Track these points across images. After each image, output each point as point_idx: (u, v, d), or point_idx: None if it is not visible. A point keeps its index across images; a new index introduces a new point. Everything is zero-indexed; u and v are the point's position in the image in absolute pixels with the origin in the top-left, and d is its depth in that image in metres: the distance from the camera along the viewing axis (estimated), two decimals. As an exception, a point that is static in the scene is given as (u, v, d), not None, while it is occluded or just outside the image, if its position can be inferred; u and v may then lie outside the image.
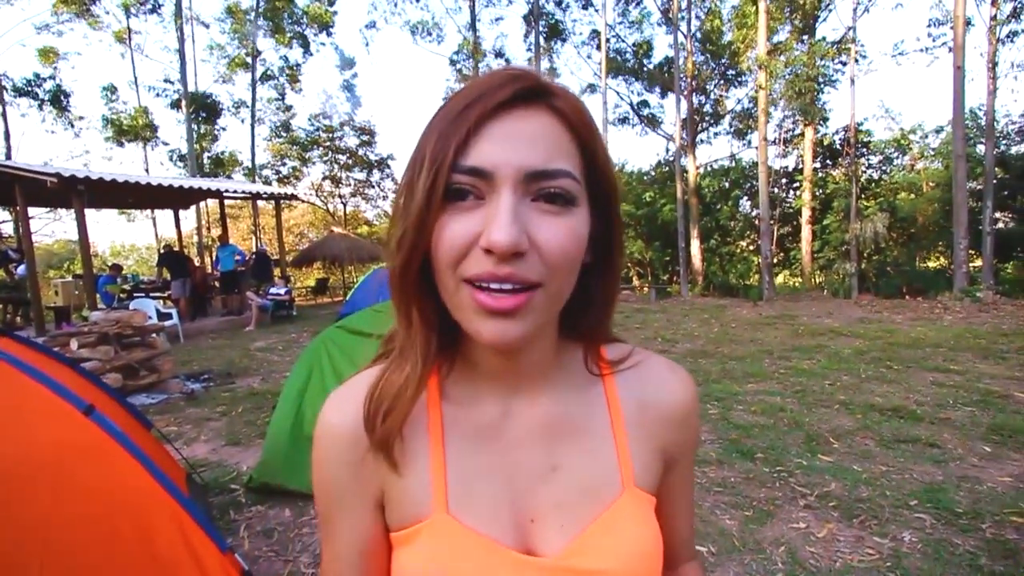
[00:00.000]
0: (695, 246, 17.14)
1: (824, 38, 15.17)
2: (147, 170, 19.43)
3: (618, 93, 19.76)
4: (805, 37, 14.75)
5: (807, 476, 3.04)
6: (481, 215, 0.40)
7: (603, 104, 17.36)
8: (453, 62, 18.80)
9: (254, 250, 12.10)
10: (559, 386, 0.51)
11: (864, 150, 16.77)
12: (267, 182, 21.02)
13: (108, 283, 9.74)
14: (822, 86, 14.75)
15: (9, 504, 1.42)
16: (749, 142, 19.02)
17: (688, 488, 0.58)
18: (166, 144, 20.29)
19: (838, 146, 17.23)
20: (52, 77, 17.71)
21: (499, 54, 19.15)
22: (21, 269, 10.05)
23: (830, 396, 4.57)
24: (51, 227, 22.61)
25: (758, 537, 2.43)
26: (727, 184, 18.76)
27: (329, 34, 21.41)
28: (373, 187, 24.45)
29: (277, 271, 12.02)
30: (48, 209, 16.26)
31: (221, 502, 3.06)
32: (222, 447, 4.11)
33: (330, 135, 22.94)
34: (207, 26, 25.54)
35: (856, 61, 14.34)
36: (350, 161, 23.50)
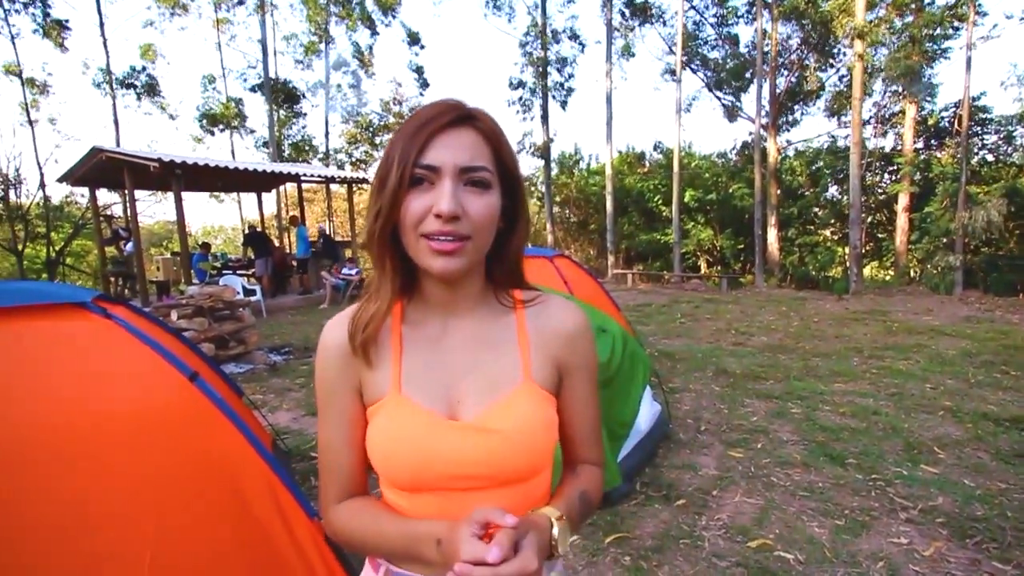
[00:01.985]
0: (772, 234, 16.14)
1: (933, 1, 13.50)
2: (233, 155, 20.75)
3: (694, 70, 18.75)
4: (912, 5, 13.22)
5: (908, 487, 2.79)
6: (432, 195, 0.64)
7: (678, 89, 16.56)
8: (523, 44, 18.55)
9: (320, 232, 12.66)
10: (483, 313, 0.74)
11: (979, 128, 14.97)
12: (340, 166, 21.86)
13: (201, 260, 10.54)
14: (932, 57, 13.25)
15: (129, 462, 1.53)
16: (840, 122, 17.51)
17: (588, 402, 0.77)
18: (252, 132, 21.51)
19: (946, 124, 15.52)
20: (144, 69, 19.18)
21: (573, 35, 18.66)
22: (129, 247, 11.08)
23: (932, 401, 4.16)
24: (152, 209, 24.66)
25: (852, 549, 2.26)
26: (813, 169, 17.45)
27: (395, 15, 21.75)
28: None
29: (348, 252, 12.54)
30: (150, 192, 17.76)
31: (302, 468, 3.24)
32: (302, 416, 4.35)
33: (400, 120, 23.50)
34: (277, 8, 26.55)
35: (976, 24, 12.68)
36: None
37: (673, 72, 17.44)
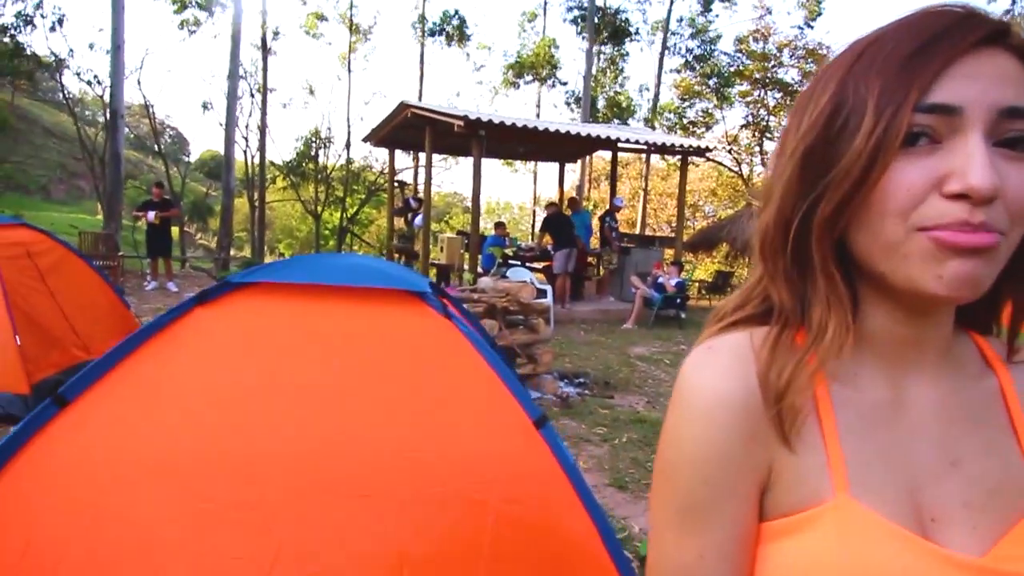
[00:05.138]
0: None
1: None
2: (538, 114, 23.40)
3: None
4: None
5: None
6: (938, 159, 0.53)
7: None
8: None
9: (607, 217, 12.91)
10: (950, 371, 0.64)
11: None
12: (671, 130, 22.46)
13: (495, 244, 12.02)
14: None
15: (459, 523, 1.64)
16: None
17: None
18: (563, 84, 23.89)
19: None
20: (456, 13, 23.12)
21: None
22: (418, 220, 13.46)
23: None
24: (440, 177, 29.78)
25: None
26: None
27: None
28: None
29: (670, 253, 12.65)
30: (442, 157, 21.45)
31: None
32: (605, 486, 4.41)
33: (763, 63, 22.84)
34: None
35: None
36: (784, 100, 22.93)
37: None
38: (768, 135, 23.74)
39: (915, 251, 0.54)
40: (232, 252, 21.31)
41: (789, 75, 22.95)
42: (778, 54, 22.94)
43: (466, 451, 1.78)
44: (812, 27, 22.19)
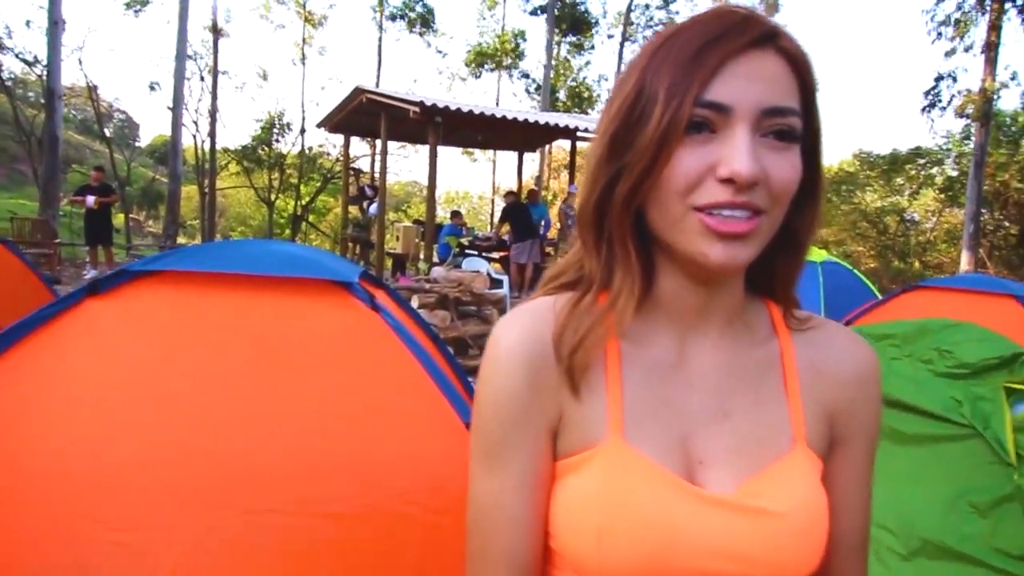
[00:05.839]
0: None
1: None
2: (497, 103, 23.18)
3: None
4: None
5: None
6: (713, 148, 0.61)
7: None
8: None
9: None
10: (737, 334, 0.73)
11: None
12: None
13: (451, 233, 11.83)
14: None
15: (380, 539, 1.47)
16: None
17: (861, 489, 0.77)
18: (527, 77, 23.74)
19: None
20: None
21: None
22: (373, 208, 13.17)
23: None
24: (398, 166, 29.35)
25: None
26: None
27: None
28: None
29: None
30: (400, 145, 21.09)
31: None
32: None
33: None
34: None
35: None
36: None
37: None
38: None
39: (691, 228, 0.63)
40: (184, 240, 20.66)
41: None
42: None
43: (388, 457, 1.59)
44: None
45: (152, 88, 20.83)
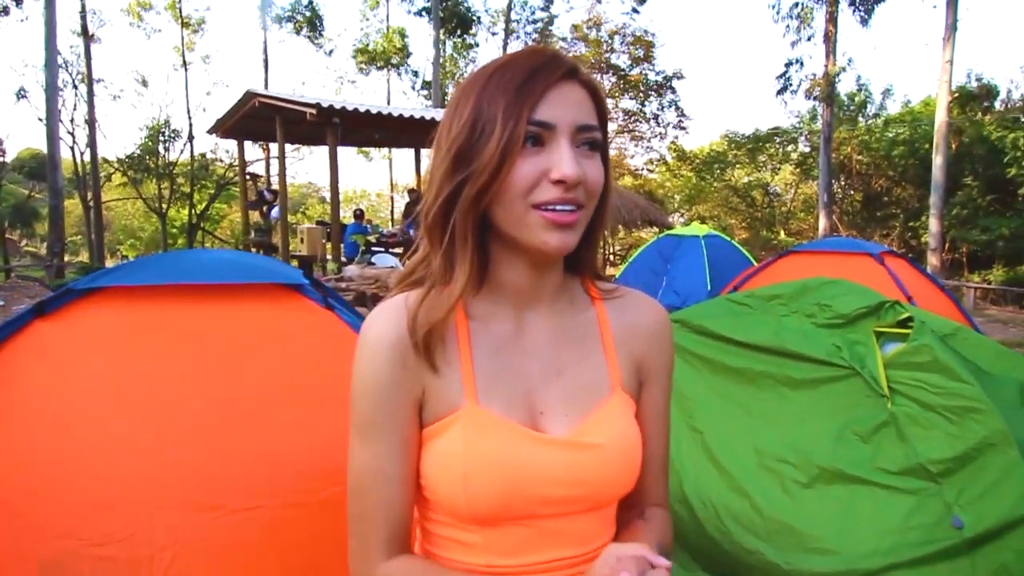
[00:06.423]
0: None
1: None
2: (388, 100, 22.93)
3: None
4: None
5: None
6: (543, 157, 0.78)
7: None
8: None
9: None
10: (562, 307, 0.92)
11: None
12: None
13: (358, 232, 11.69)
14: None
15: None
16: None
17: (662, 419, 0.98)
18: (416, 75, 23.54)
19: None
20: (311, 2, 22.17)
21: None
22: (274, 212, 12.83)
23: None
24: (294, 168, 28.45)
25: None
26: None
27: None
28: (648, 121, 24.46)
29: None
30: (294, 148, 20.48)
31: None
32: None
33: (597, 50, 23.62)
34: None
35: None
36: (621, 84, 23.88)
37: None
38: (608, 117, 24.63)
39: (533, 222, 0.78)
40: (67, 258, 19.29)
41: (620, 60, 23.98)
42: (610, 41, 23.87)
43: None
44: (639, 12, 23.26)
45: (19, 96, 19.25)
